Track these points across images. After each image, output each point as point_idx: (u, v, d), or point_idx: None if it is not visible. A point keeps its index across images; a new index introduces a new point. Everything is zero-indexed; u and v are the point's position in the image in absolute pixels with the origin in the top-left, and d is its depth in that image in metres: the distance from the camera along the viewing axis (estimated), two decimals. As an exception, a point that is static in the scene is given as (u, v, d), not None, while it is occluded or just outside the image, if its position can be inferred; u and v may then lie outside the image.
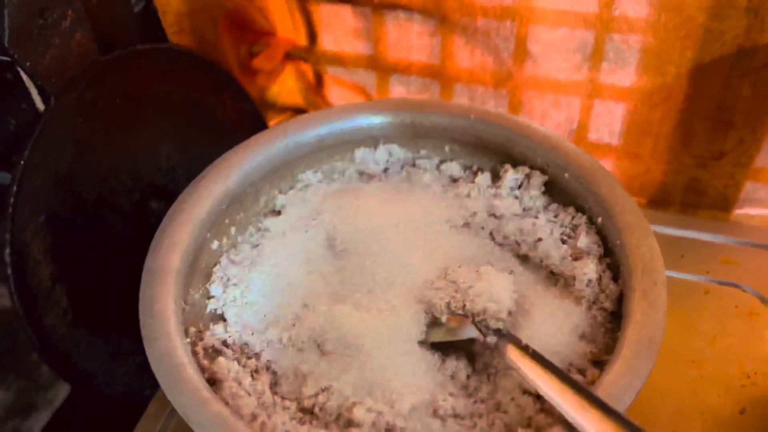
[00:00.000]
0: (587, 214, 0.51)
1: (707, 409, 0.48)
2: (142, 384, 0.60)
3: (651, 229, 0.46)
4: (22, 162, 0.50)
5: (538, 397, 0.42)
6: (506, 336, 0.44)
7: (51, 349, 0.54)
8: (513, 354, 0.42)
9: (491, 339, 0.44)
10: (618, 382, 0.38)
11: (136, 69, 0.60)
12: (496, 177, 0.57)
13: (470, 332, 0.45)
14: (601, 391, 0.38)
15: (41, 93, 0.52)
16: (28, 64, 0.51)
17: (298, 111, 0.80)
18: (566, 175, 0.52)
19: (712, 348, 0.52)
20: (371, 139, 0.60)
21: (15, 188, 0.50)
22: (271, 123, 0.80)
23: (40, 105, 0.53)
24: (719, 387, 0.50)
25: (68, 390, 0.72)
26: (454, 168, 0.59)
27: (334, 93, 0.76)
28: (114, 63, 0.57)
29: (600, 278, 0.48)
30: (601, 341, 0.46)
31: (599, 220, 0.50)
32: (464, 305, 0.46)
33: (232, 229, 0.55)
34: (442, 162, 0.60)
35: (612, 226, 0.48)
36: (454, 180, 0.59)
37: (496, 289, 0.46)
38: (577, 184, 0.52)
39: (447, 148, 0.59)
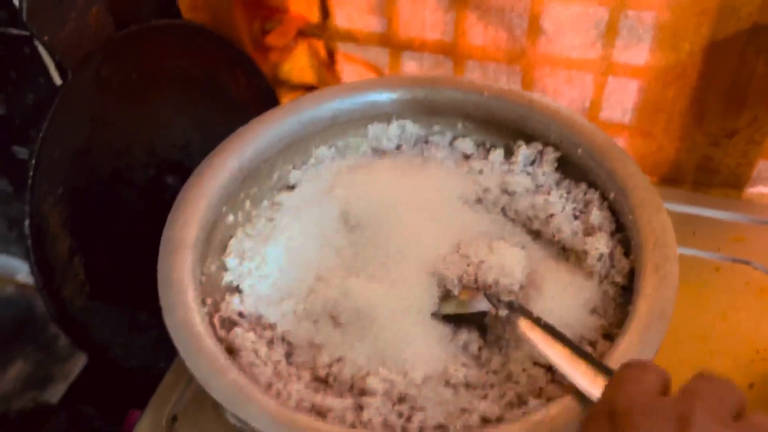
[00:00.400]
0: (599, 190, 0.52)
1: (716, 383, 0.49)
2: (157, 357, 0.62)
3: (663, 205, 0.46)
4: (40, 135, 0.51)
5: (549, 369, 0.43)
6: (518, 309, 0.44)
7: (69, 321, 0.56)
8: (525, 326, 0.42)
9: (503, 312, 0.45)
10: (628, 354, 0.38)
11: (151, 45, 0.60)
12: (509, 153, 0.57)
13: (482, 305, 0.46)
14: (612, 362, 0.38)
15: (59, 67, 0.53)
16: (45, 38, 0.51)
17: (310, 89, 0.80)
18: (579, 151, 0.53)
19: (722, 324, 0.53)
20: (384, 115, 0.60)
21: (33, 161, 0.51)
22: (284, 101, 0.80)
23: (57, 80, 0.54)
24: (728, 362, 0.50)
25: (84, 362, 0.74)
26: (467, 144, 0.59)
27: (347, 70, 0.76)
28: (130, 38, 0.57)
29: (612, 253, 0.48)
30: (612, 315, 0.47)
31: (611, 195, 0.50)
32: (476, 279, 0.47)
33: (247, 204, 0.56)
34: (455, 138, 0.60)
35: (624, 202, 0.48)
36: (467, 156, 0.59)
37: (508, 262, 0.47)
38: (590, 160, 0.52)
39: (460, 125, 0.60)
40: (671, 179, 0.70)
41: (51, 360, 0.74)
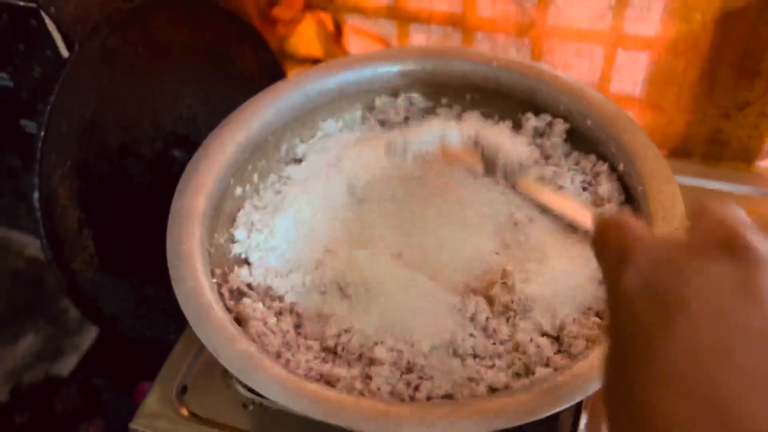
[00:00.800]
0: (609, 161, 0.51)
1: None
2: (167, 329, 0.62)
3: (673, 176, 0.46)
4: (48, 108, 0.51)
5: (556, 338, 0.43)
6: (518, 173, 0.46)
7: (79, 293, 0.56)
8: (524, 184, 0.43)
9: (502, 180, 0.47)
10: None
11: (157, 17, 0.60)
12: (517, 126, 0.57)
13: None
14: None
15: (65, 39, 0.53)
16: (52, 9, 0.51)
17: (317, 62, 0.79)
18: (588, 122, 0.52)
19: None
20: (392, 87, 0.60)
21: (42, 133, 0.51)
22: (290, 74, 0.80)
23: (64, 52, 0.54)
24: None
25: (95, 335, 0.75)
26: (475, 117, 0.59)
27: (354, 43, 0.76)
28: (136, 11, 0.57)
29: None
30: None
31: (621, 166, 0.49)
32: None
33: (255, 176, 0.56)
34: (463, 111, 0.59)
35: (634, 173, 0.48)
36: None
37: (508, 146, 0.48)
38: (599, 131, 0.51)
39: (468, 97, 0.59)
40: (681, 152, 0.69)
41: (62, 333, 0.75)
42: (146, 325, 0.62)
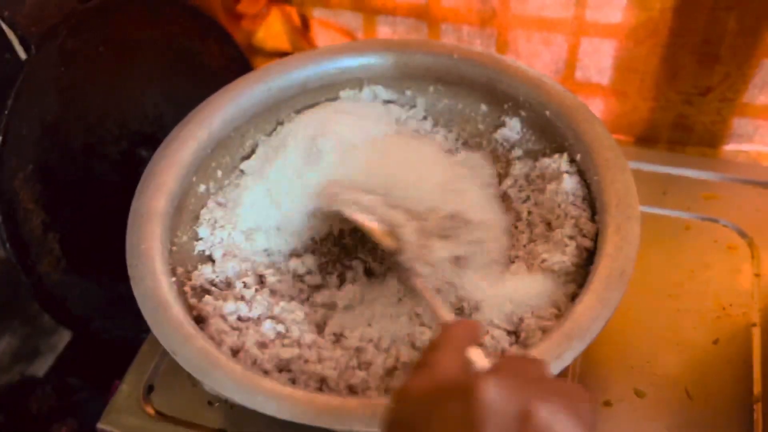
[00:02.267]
0: (567, 152, 0.52)
1: (683, 340, 0.50)
2: (139, 328, 0.62)
3: (627, 165, 0.46)
4: (5, 112, 0.51)
5: (512, 332, 0.44)
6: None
7: (47, 295, 0.56)
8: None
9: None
10: (587, 313, 0.39)
11: (118, 16, 0.60)
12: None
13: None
14: (571, 321, 0.39)
15: (22, 42, 0.53)
16: (6, 13, 0.51)
17: (285, 56, 0.79)
18: (547, 113, 0.52)
19: (690, 282, 0.53)
20: (356, 80, 0.60)
21: (1, 138, 0.51)
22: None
23: (23, 55, 0.53)
24: (695, 319, 0.51)
25: (70, 336, 0.75)
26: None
27: (321, 36, 0.76)
28: (95, 11, 0.57)
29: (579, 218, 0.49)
30: (581, 279, 0.47)
31: (578, 157, 0.50)
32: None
33: (219, 173, 0.56)
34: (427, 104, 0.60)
35: (590, 163, 0.48)
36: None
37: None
38: (558, 121, 0.52)
39: (431, 88, 0.59)
40: (647, 138, 0.70)
41: (38, 333, 0.75)
42: (118, 324, 0.62)
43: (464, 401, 0.26)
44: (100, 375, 0.67)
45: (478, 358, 0.31)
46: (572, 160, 0.51)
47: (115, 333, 0.62)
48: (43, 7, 0.53)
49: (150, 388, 0.50)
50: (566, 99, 0.52)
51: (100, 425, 0.49)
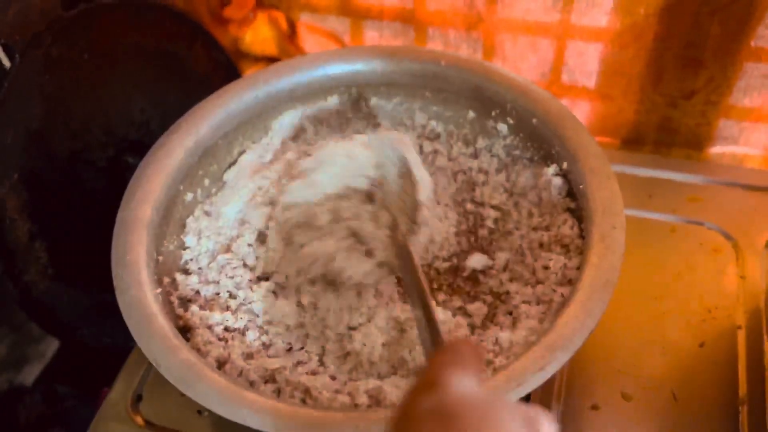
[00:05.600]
0: (554, 160, 0.52)
1: (668, 343, 0.50)
2: (127, 335, 0.62)
3: (613, 173, 0.47)
4: (-10, 120, 0.51)
5: (495, 341, 0.44)
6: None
7: (34, 304, 0.56)
8: None
9: None
10: (571, 324, 0.39)
11: (103, 23, 0.59)
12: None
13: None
14: (555, 332, 0.39)
15: (6, 50, 0.52)
16: (-11, 21, 0.51)
17: (273, 60, 0.79)
18: (534, 120, 0.53)
19: (675, 284, 0.53)
20: (344, 87, 0.60)
21: (-15, 147, 0.51)
22: (246, 73, 0.80)
23: (7, 62, 0.53)
24: (681, 322, 0.51)
25: (59, 343, 0.74)
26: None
27: (308, 41, 0.75)
28: (79, 18, 0.56)
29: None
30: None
31: (564, 165, 0.50)
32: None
33: (206, 181, 0.56)
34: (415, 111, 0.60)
35: (576, 171, 0.48)
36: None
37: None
38: (544, 129, 0.52)
39: (419, 95, 0.59)
40: (633, 140, 0.70)
41: (26, 341, 0.74)
42: (105, 331, 0.62)
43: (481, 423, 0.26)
44: (89, 382, 0.67)
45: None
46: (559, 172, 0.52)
47: (103, 340, 0.62)
48: (26, 15, 0.52)
49: (138, 398, 0.50)
50: (552, 106, 0.52)
51: (88, 435, 0.49)
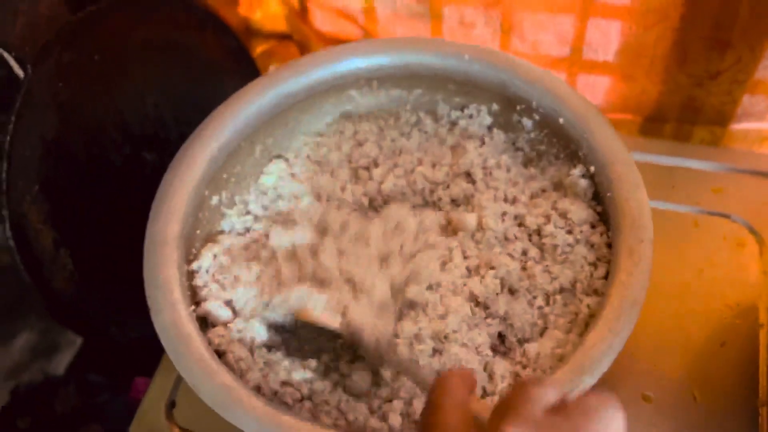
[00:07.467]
0: (582, 163, 0.51)
1: (689, 343, 0.51)
2: (154, 329, 0.63)
3: (641, 182, 0.46)
4: (8, 136, 0.50)
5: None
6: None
7: (63, 310, 0.57)
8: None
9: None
10: (598, 346, 0.40)
11: (110, 23, 0.58)
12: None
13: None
14: (581, 354, 0.39)
15: (18, 62, 0.51)
16: (-2, 37, 0.49)
17: (283, 37, 0.77)
18: (561, 120, 0.51)
19: (698, 281, 0.54)
20: (364, 80, 0.59)
21: (5, 163, 0.50)
22: (258, 50, 0.78)
23: (20, 73, 0.52)
24: (702, 321, 0.52)
25: (87, 329, 0.76)
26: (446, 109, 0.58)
27: (319, 18, 0.73)
28: (86, 21, 0.55)
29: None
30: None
31: (592, 169, 0.49)
32: None
33: (231, 181, 0.55)
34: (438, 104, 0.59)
35: (604, 177, 0.48)
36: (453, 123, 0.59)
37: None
38: (571, 129, 0.51)
39: (441, 88, 0.58)
40: (655, 118, 0.69)
41: (55, 328, 0.76)
42: (134, 327, 0.63)
43: None
44: (120, 371, 0.69)
45: (481, 408, 0.31)
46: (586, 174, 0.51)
47: (131, 335, 0.63)
48: (34, 25, 0.51)
49: (172, 404, 0.52)
50: (579, 106, 0.51)
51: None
